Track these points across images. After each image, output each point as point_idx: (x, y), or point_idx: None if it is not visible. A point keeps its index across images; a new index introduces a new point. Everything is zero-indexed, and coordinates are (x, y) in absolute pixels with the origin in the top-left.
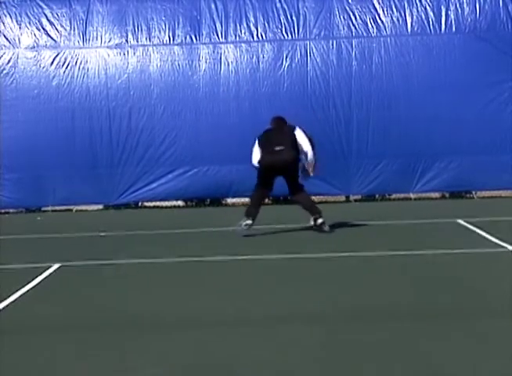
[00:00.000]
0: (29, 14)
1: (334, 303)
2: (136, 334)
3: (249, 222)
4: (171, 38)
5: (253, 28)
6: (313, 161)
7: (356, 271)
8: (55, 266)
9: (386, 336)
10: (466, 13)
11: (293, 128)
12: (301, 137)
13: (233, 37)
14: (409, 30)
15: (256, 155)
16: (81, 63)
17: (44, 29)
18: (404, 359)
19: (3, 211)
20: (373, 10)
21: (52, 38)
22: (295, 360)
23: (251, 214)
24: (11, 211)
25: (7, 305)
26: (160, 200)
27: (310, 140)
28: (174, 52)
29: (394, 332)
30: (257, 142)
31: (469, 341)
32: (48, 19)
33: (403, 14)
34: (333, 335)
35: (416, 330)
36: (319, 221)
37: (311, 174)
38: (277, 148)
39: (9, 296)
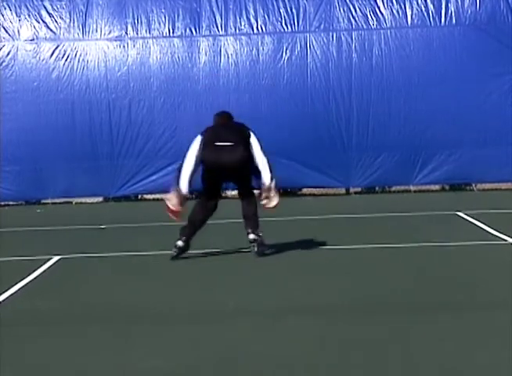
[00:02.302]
0: (28, 6)
1: (334, 295)
2: (136, 326)
3: (180, 243)
4: (171, 31)
5: (253, 21)
6: (270, 184)
7: (355, 263)
8: (55, 259)
9: (386, 328)
10: (466, 5)
11: (247, 130)
12: (255, 146)
13: (233, 29)
14: (409, 22)
15: (192, 155)
16: (80, 55)
17: (43, 21)
18: (404, 352)
19: (3, 203)
20: (372, 2)
21: (51, 31)
22: (295, 353)
23: (185, 233)
24: (11, 203)
25: (7, 297)
26: (160, 192)
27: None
28: (173, 45)
29: (393, 324)
30: (199, 138)
31: (467, 332)
32: (47, 12)
33: (403, 6)
34: (333, 327)
35: (414, 321)
36: (251, 236)
37: (268, 204)
38: (225, 143)
39: (9, 288)
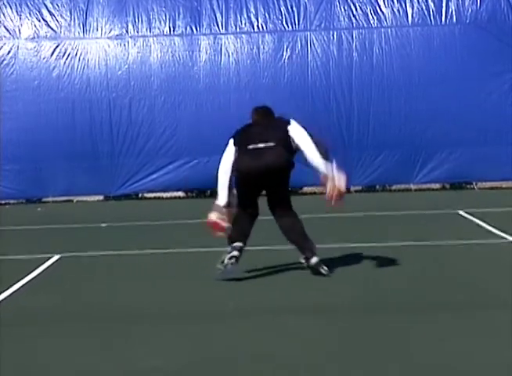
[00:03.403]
0: (29, 5)
1: (332, 295)
2: (136, 325)
3: (235, 253)
4: (172, 29)
5: (253, 19)
6: (332, 172)
7: (354, 262)
8: (56, 257)
9: (385, 328)
10: (466, 4)
11: (287, 122)
12: (298, 134)
13: (234, 28)
14: (410, 21)
15: (227, 160)
16: (81, 54)
17: (44, 20)
18: (403, 351)
19: (4, 201)
20: (373, 1)
21: (52, 29)
22: (295, 353)
23: (239, 237)
24: (12, 201)
25: (8, 296)
26: (161, 191)
27: (317, 141)
28: (174, 43)
29: (393, 324)
30: (231, 142)
31: (467, 331)
32: (48, 10)
33: (404, 5)
34: (333, 326)
35: (414, 321)
36: (313, 260)
37: (333, 201)
38: (261, 145)
39: (10, 287)
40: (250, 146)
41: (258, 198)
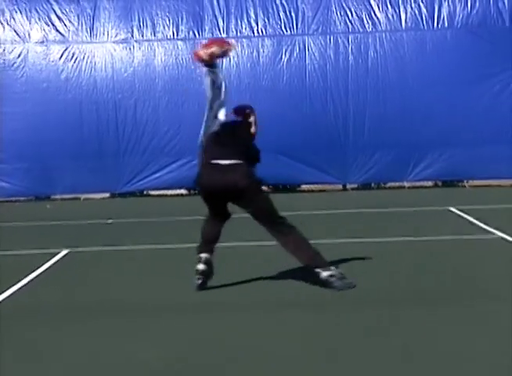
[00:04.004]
0: (38, 10)
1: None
2: (142, 318)
3: (201, 267)
4: (175, 33)
5: (253, 24)
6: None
7: (350, 257)
8: (64, 252)
9: (382, 320)
10: (458, 9)
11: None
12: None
13: (234, 32)
14: (404, 25)
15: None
16: (88, 57)
17: (53, 24)
18: (402, 341)
19: (14, 199)
20: (368, 6)
21: (60, 33)
22: (295, 344)
23: (206, 247)
24: (21, 199)
25: (20, 288)
26: (165, 188)
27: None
28: (177, 47)
29: (389, 316)
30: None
31: (460, 322)
32: (56, 15)
33: (397, 10)
34: (332, 321)
35: (411, 313)
36: (325, 274)
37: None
38: (222, 161)
39: (21, 280)
40: (212, 161)
41: (227, 207)
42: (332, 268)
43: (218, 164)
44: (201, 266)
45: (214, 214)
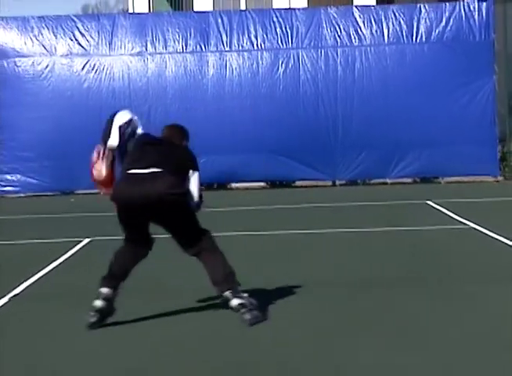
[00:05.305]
0: (63, 27)
1: (326, 274)
2: (159, 301)
3: (99, 304)
4: (184, 47)
5: (253, 39)
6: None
7: (337, 245)
8: (86, 240)
9: (374, 302)
10: (434, 26)
11: (190, 157)
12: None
13: (237, 46)
14: (386, 40)
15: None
16: (107, 68)
17: (76, 39)
18: (395, 321)
19: (42, 194)
20: (355, 23)
21: (83, 47)
22: (294, 325)
23: (110, 282)
24: (49, 193)
25: (48, 272)
26: None
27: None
28: (186, 59)
29: (381, 298)
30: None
31: (435, 303)
32: (79, 31)
33: (381, 27)
34: (330, 303)
35: (399, 295)
36: (235, 302)
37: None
38: (145, 170)
39: (49, 264)
40: (132, 171)
41: (148, 228)
42: (244, 295)
43: (137, 173)
44: (99, 303)
45: (132, 239)
